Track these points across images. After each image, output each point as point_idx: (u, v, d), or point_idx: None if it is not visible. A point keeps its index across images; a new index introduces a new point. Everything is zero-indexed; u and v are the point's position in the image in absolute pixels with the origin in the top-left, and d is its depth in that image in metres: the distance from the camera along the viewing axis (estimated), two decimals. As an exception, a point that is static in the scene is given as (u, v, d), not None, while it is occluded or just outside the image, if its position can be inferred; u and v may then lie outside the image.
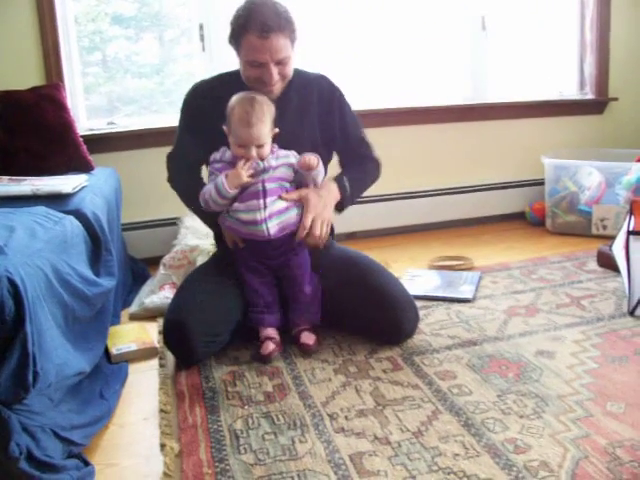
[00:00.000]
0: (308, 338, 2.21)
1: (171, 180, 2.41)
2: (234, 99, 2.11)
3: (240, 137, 2.07)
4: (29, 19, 3.05)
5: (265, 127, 2.07)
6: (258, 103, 2.07)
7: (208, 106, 2.26)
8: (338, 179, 2.28)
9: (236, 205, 2.09)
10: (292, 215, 2.14)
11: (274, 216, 2.10)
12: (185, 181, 2.37)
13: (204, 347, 2.11)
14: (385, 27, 3.63)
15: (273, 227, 2.10)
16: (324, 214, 2.17)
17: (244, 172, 2.05)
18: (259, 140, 2.07)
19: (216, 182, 2.08)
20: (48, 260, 1.70)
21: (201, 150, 2.28)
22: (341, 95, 2.36)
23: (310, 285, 2.22)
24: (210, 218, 2.31)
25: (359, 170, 2.38)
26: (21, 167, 2.68)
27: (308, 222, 2.13)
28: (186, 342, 2.07)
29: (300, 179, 2.18)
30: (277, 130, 2.12)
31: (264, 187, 2.08)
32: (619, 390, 1.85)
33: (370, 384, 1.95)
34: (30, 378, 1.40)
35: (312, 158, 2.12)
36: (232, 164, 2.10)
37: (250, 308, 2.22)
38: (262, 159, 2.09)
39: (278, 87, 2.19)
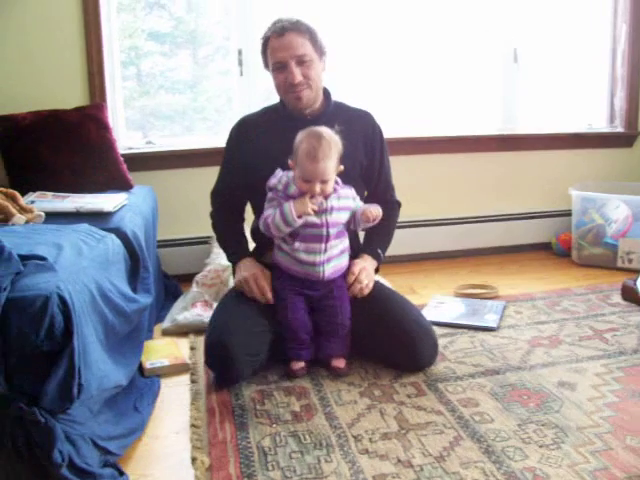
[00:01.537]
0: (339, 362, 2.26)
1: (212, 217, 2.51)
2: (302, 133, 2.16)
3: (306, 172, 2.11)
4: (76, 42, 3.17)
5: (331, 163, 2.12)
6: (325, 139, 2.11)
7: (252, 138, 2.36)
8: (372, 252, 2.41)
9: (297, 245, 2.16)
10: (344, 260, 2.27)
11: (332, 260, 2.20)
12: (223, 223, 2.49)
13: (246, 366, 2.16)
14: (419, 57, 3.71)
15: (329, 270, 2.20)
16: (369, 269, 2.34)
17: (310, 204, 2.11)
18: (324, 176, 2.12)
19: (283, 208, 2.11)
20: (93, 277, 1.79)
21: (243, 190, 2.41)
22: (383, 136, 2.45)
23: (349, 319, 2.26)
24: (236, 254, 2.42)
25: (386, 225, 2.46)
26: (64, 184, 2.78)
27: (357, 270, 2.28)
28: (229, 362, 2.12)
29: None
30: (342, 167, 2.19)
31: (328, 232, 2.17)
32: (639, 424, 1.88)
33: (394, 408, 2.01)
34: (75, 390, 1.48)
35: (378, 212, 2.22)
36: (295, 198, 2.15)
37: (286, 342, 2.25)
38: (325, 195, 2.15)
39: (307, 95, 2.27)
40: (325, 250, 2.18)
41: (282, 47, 2.22)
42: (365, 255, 2.39)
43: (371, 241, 2.47)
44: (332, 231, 2.18)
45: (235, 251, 2.44)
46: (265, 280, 2.29)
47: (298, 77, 2.23)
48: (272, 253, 2.30)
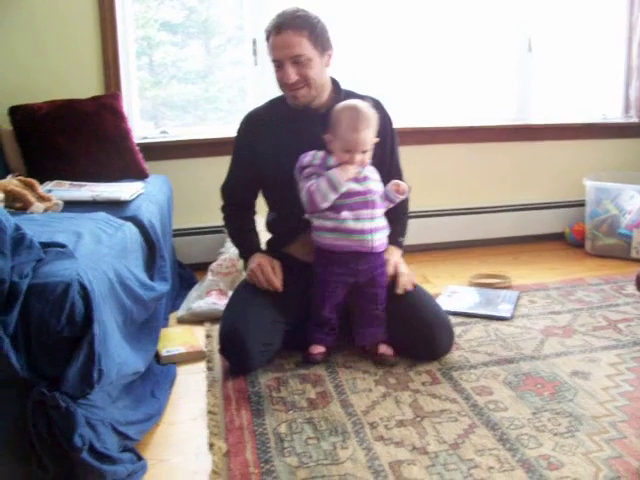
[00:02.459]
0: (386, 349, 2.27)
1: (223, 211, 2.53)
2: (340, 106, 2.20)
3: (348, 142, 2.14)
4: (91, 32, 3.19)
5: (371, 133, 2.17)
6: (364, 110, 2.16)
7: (261, 132, 2.36)
8: (395, 242, 2.43)
9: (345, 214, 2.16)
10: (386, 235, 2.29)
11: (379, 231, 2.22)
12: (234, 219, 2.51)
13: (259, 356, 2.20)
14: (432, 46, 3.71)
15: (377, 240, 2.21)
16: (401, 261, 2.38)
17: (352, 168, 2.14)
18: (365, 145, 2.16)
19: (328, 174, 2.13)
20: (111, 265, 1.82)
21: (254, 184, 2.43)
22: (392, 123, 2.45)
23: (385, 304, 2.28)
24: (247, 250, 2.44)
25: (401, 211, 2.49)
26: (81, 172, 2.81)
27: (393, 269, 2.32)
28: (243, 351, 2.15)
29: None
30: (377, 139, 2.22)
31: (373, 198, 2.19)
32: (653, 413, 1.89)
33: (409, 396, 2.03)
34: (95, 375, 1.51)
35: (406, 187, 2.25)
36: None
37: (314, 327, 2.29)
38: (364, 165, 2.19)
39: (303, 93, 2.26)
40: (373, 218, 2.20)
41: (278, 46, 2.21)
42: (391, 247, 2.41)
43: (392, 232, 2.47)
44: (376, 198, 2.21)
45: (246, 248, 2.46)
46: (271, 268, 2.31)
47: (293, 77, 2.21)
48: (298, 241, 2.33)
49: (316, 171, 2.19)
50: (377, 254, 2.25)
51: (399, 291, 2.29)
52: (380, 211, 2.24)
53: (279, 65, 2.23)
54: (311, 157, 2.22)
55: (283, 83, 2.26)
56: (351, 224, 2.17)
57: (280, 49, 2.20)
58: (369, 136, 2.17)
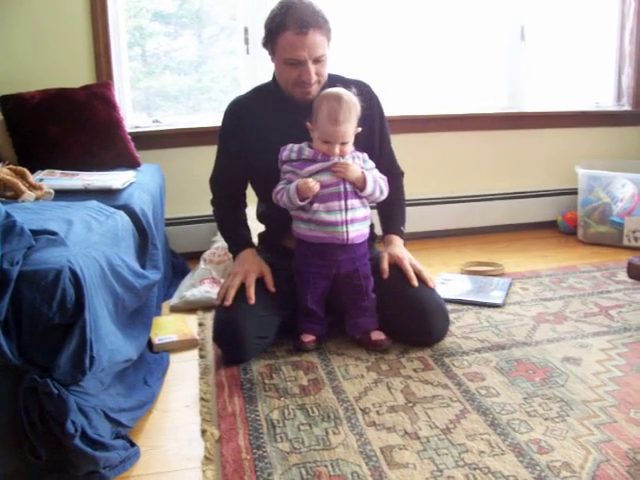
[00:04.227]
0: (379, 334, 2.27)
1: (213, 205, 2.52)
2: (322, 95, 2.17)
3: (327, 134, 2.12)
4: (82, 22, 3.19)
5: (351, 126, 2.14)
6: (345, 101, 2.12)
7: (247, 121, 2.34)
8: (398, 232, 2.44)
9: (316, 206, 2.14)
10: (367, 225, 2.27)
11: (356, 222, 2.19)
12: (224, 211, 2.50)
13: (254, 347, 2.19)
14: (424, 34, 3.70)
15: (352, 232, 2.18)
16: (407, 253, 2.38)
17: (316, 187, 2.10)
18: (344, 138, 2.13)
19: (289, 191, 2.13)
20: (103, 252, 1.81)
21: (242, 175, 2.41)
22: (381, 106, 2.43)
23: (373, 292, 2.28)
24: (235, 247, 2.43)
25: (398, 198, 2.50)
26: (72, 162, 2.81)
27: (409, 266, 2.31)
28: (238, 344, 2.16)
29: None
30: (360, 129, 2.20)
31: (345, 189, 2.16)
32: (643, 398, 1.90)
33: (401, 382, 2.03)
34: (87, 362, 1.51)
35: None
36: (312, 161, 2.15)
37: (302, 317, 2.28)
38: (343, 156, 2.16)
39: (315, 89, 2.24)
40: (346, 209, 2.16)
41: (303, 46, 2.14)
42: (395, 238, 2.41)
43: (393, 221, 2.48)
44: (350, 188, 2.17)
45: (235, 243, 2.45)
46: (256, 276, 2.27)
47: (314, 77, 2.19)
48: (291, 232, 2.30)
49: (292, 169, 2.18)
50: (357, 245, 2.23)
51: (430, 284, 2.31)
52: (357, 202, 2.20)
53: (295, 63, 2.18)
54: (289, 151, 2.20)
55: (299, 81, 2.20)
56: (324, 216, 2.15)
57: (306, 49, 2.14)
58: (350, 128, 2.14)
